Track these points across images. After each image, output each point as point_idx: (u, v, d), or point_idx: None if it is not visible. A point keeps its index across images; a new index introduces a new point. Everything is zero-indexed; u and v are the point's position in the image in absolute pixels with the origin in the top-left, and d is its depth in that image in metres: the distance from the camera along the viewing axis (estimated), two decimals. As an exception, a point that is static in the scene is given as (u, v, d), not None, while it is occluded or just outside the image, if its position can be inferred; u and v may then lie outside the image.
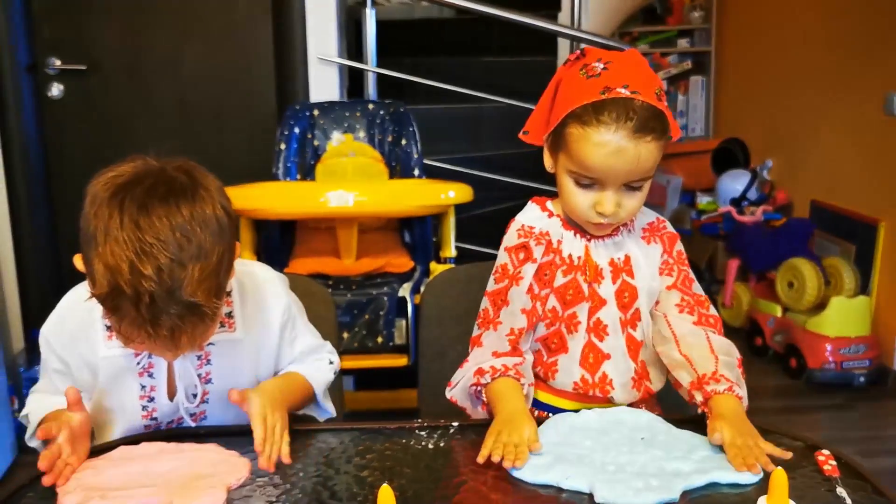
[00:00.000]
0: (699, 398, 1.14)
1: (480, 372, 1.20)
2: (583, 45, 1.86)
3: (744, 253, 3.63)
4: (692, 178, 4.29)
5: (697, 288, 1.28)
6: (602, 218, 1.16)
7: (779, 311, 3.37)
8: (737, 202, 3.72)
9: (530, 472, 1.02)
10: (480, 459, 1.04)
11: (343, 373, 1.52)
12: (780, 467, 0.71)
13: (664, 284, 1.27)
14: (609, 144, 1.10)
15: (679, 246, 1.29)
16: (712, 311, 1.27)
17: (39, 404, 1.22)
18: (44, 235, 2.96)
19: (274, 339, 1.25)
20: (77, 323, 1.18)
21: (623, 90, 1.10)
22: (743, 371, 1.19)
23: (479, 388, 1.20)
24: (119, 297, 0.95)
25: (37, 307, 2.90)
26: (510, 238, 1.25)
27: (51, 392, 1.22)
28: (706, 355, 1.18)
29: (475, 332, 1.28)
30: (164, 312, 0.95)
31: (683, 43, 4.79)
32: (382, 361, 2.38)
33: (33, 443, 1.22)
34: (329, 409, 1.34)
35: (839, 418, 2.96)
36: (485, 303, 1.27)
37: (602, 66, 1.13)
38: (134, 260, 0.94)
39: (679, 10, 4.77)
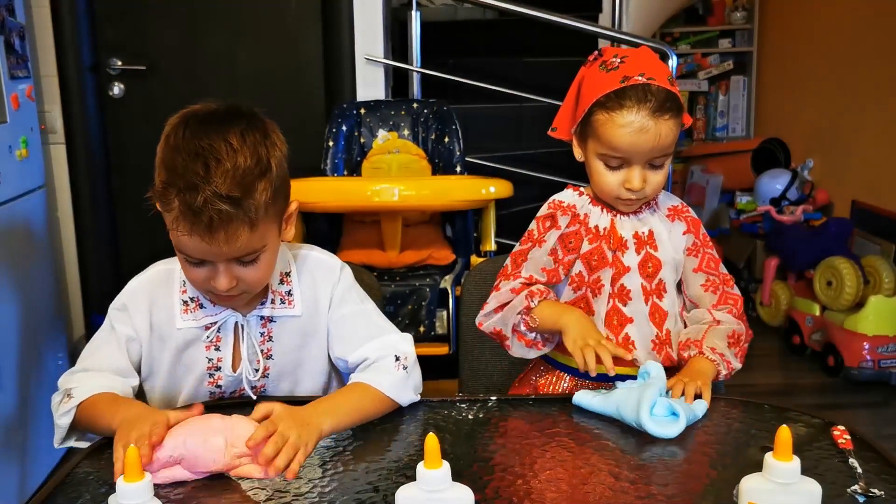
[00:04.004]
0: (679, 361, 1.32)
1: (531, 295, 1.34)
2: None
3: (783, 252, 3.65)
4: (732, 177, 4.30)
5: (722, 268, 1.40)
6: (631, 194, 1.29)
7: (817, 310, 3.38)
8: (776, 202, 3.73)
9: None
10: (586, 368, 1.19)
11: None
12: (784, 425, 0.78)
13: (691, 266, 1.38)
14: (633, 124, 1.22)
15: (703, 230, 1.41)
16: (735, 290, 1.39)
17: (88, 384, 1.21)
18: (104, 227, 3.07)
19: (323, 316, 1.33)
20: (160, 292, 1.29)
21: (640, 77, 1.23)
22: (741, 345, 1.32)
23: (527, 312, 1.34)
24: (171, 189, 1.10)
25: (97, 296, 3.03)
26: (542, 210, 1.41)
27: (103, 367, 1.25)
28: (701, 328, 1.32)
29: (496, 283, 1.42)
30: (205, 205, 1.08)
31: (725, 43, 4.80)
32: (425, 350, 2.42)
33: (64, 420, 1.19)
34: (404, 401, 1.25)
35: (876, 416, 2.98)
36: (507, 261, 1.43)
37: (619, 60, 1.26)
38: (186, 159, 1.10)
39: (720, 11, 4.78)
